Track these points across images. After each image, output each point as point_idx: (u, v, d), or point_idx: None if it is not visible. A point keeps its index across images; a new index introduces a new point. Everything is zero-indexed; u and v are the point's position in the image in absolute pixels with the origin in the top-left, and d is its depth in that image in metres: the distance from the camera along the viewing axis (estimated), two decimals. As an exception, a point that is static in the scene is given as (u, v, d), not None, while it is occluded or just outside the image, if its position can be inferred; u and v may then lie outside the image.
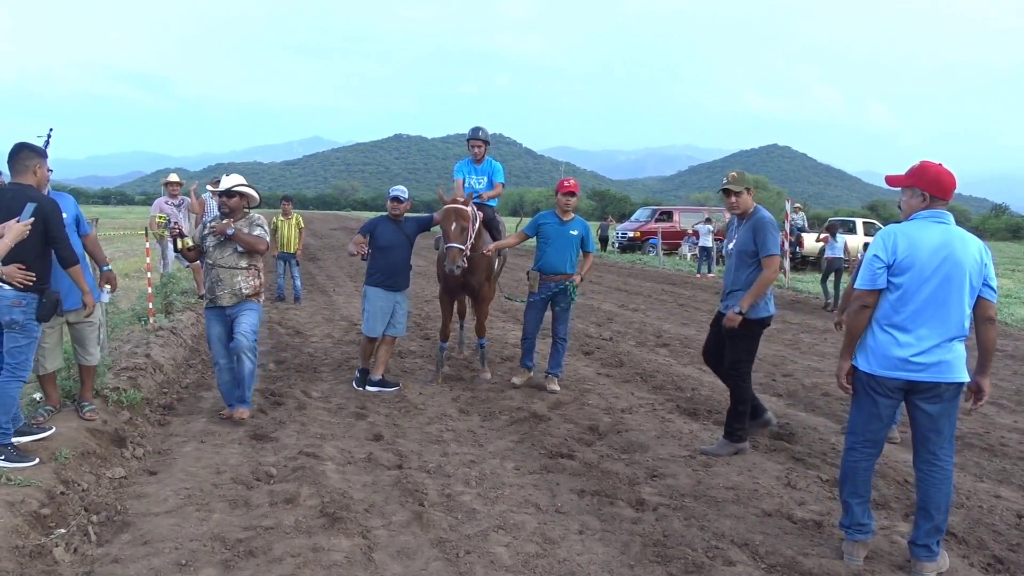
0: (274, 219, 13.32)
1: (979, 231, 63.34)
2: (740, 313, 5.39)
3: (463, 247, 7.00)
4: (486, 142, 8.07)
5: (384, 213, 7.52)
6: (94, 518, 4.14)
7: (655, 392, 7.51)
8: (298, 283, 13.34)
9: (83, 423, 5.29)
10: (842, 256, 15.64)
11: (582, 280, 7.39)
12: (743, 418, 5.61)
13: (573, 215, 7.40)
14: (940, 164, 3.86)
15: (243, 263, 6.02)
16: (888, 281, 3.80)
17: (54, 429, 5.00)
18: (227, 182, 6.11)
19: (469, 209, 7.16)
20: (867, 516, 3.98)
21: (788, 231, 20.47)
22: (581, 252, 7.37)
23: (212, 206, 10.77)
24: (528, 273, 7.51)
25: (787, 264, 19.80)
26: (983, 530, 4.37)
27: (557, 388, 7.39)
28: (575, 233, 7.30)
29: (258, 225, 6.09)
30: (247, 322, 5.99)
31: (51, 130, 5.70)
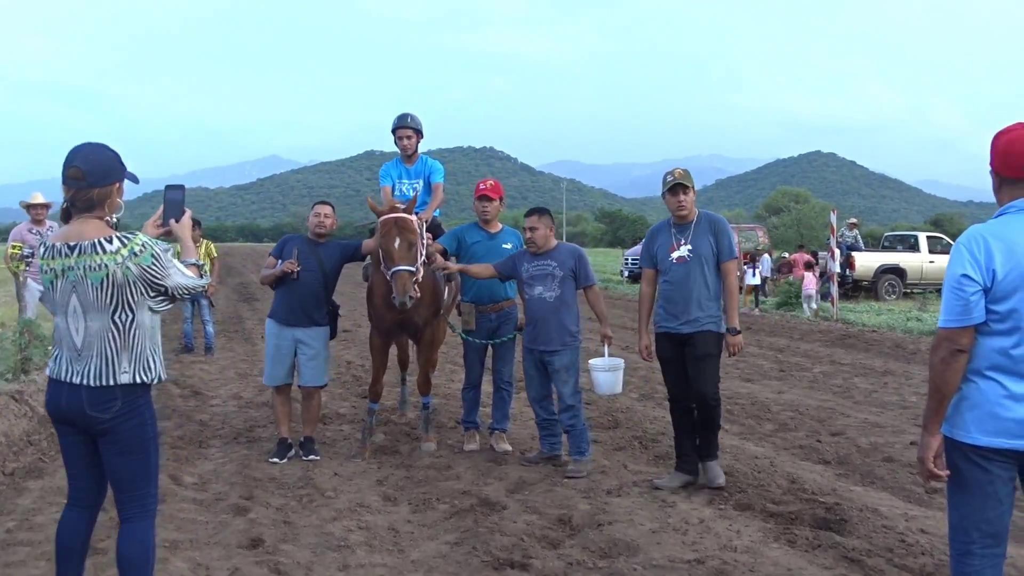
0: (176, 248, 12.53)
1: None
2: (738, 331, 5.94)
3: (413, 269, 6.21)
4: (417, 131, 7.32)
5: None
6: None
7: (657, 463, 6.60)
8: (210, 328, 12.51)
9: None
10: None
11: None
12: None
13: (501, 225, 7.00)
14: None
15: None
16: (988, 310, 2.97)
17: None
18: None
19: (413, 218, 6.42)
20: None
21: (835, 249, 19.63)
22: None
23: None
24: (460, 306, 6.89)
25: (835, 291, 18.95)
26: None
27: (508, 447, 6.87)
28: (508, 247, 6.79)
29: None
30: None
31: None
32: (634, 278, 31.22)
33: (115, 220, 3.50)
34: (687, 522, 5.18)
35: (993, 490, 3.05)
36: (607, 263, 40.42)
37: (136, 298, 3.38)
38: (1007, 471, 3.05)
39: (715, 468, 5.97)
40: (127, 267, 3.32)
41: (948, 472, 3.12)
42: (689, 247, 5.86)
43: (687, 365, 5.93)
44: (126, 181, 3.55)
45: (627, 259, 32.61)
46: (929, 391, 3.12)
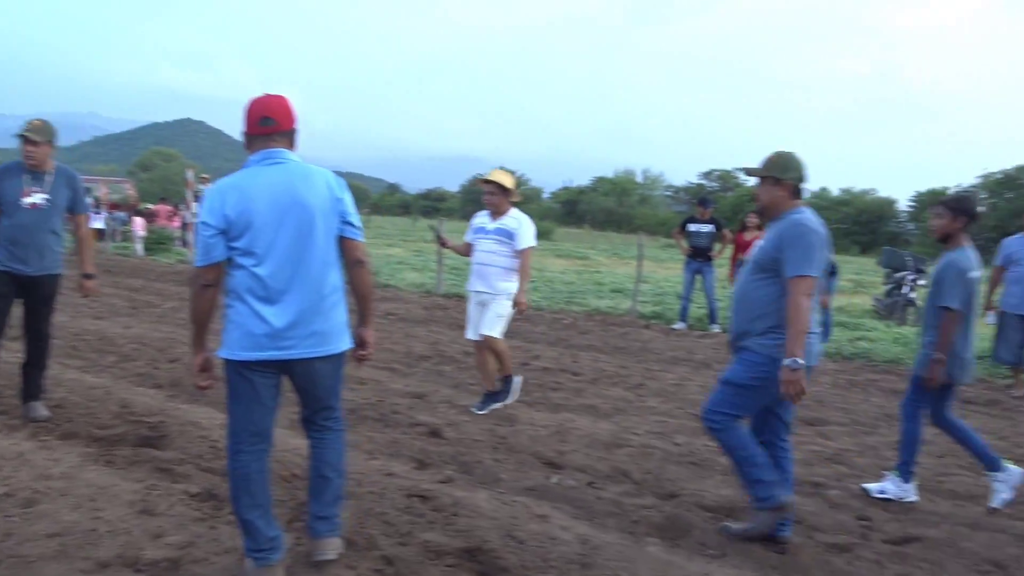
0: None
1: (378, 207, 70.42)
2: (92, 276, 5.43)
3: None
4: None
5: None
6: None
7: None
8: None
9: None
10: None
11: None
12: None
13: None
14: (270, 93, 3.15)
15: None
16: (231, 248, 2.99)
17: None
18: None
19: None
20: (274, 528, 3.17)
21: (192, 202, 19.08)
22: None
23: None
24: None
25: (190, 238, 18.45)
26: (374, 523, 3.79)
27: None
28: None
29: None
30: None
31: None
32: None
33: None
34: (3, 458, 4.42)
35: (257, 396, 3.10)
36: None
37: None
38: (269, 379, 3.11)
39: (38, 406, 5.33)
40: None
41: (210, 383, 3.18)
42: (46, 195, 5.13)
43: (29, 304, 5.24)
44: None
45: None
46: (190, 319, 3.11)
